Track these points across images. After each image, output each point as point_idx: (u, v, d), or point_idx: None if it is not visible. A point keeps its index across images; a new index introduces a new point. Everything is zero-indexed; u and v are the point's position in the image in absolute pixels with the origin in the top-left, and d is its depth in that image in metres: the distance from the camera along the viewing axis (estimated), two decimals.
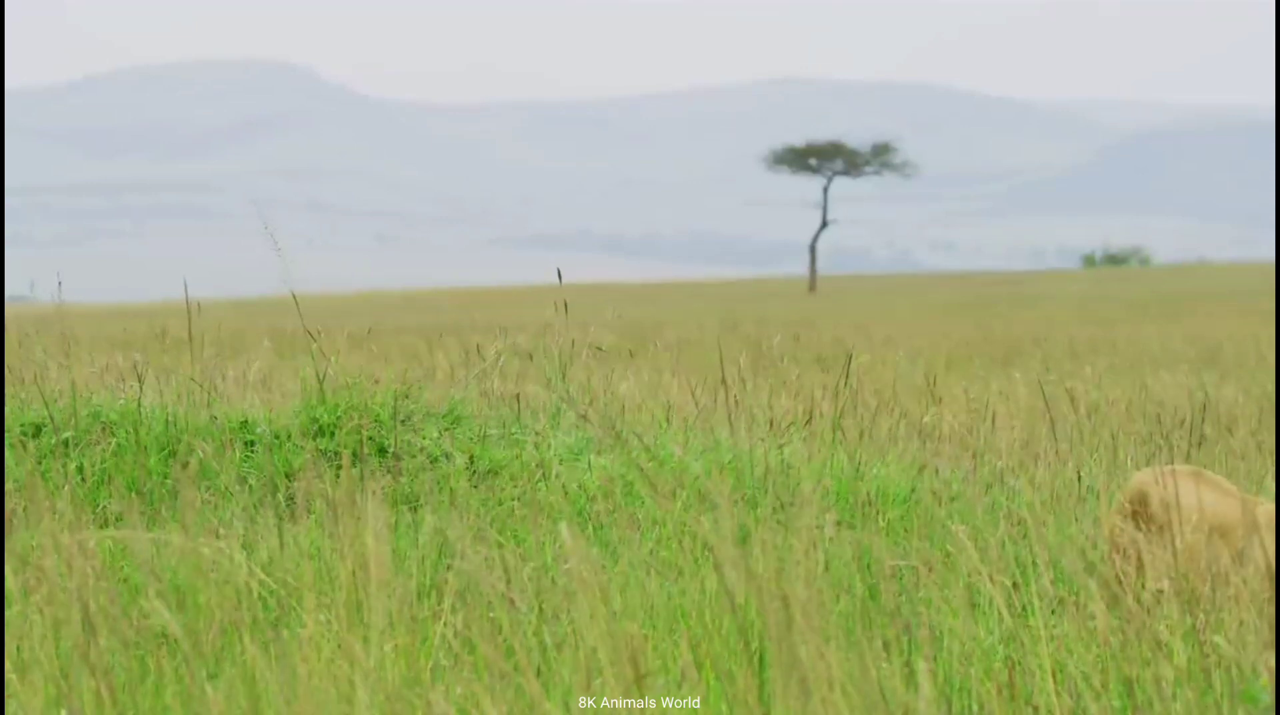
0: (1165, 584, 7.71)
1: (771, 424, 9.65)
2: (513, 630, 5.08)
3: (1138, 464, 9.32)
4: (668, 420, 10.06)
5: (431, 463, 8.80)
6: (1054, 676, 5.22)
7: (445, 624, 5.69)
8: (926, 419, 10.66)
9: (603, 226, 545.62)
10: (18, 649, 5.38)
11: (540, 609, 5.91)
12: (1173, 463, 9.26)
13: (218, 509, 7.92)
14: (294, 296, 9.46)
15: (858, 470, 8.90)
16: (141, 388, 9.30)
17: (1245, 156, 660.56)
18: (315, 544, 6.64)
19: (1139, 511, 7.99)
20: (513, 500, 8.13)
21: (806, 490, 7.99)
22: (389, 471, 8.60)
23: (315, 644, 5.21)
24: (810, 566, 4.90)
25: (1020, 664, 5.31)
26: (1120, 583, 7.84)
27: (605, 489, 8.24)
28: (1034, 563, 6.94)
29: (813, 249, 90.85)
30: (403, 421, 9.05)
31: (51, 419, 8.93)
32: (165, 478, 8.52)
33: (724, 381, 10.32)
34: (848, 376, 10.05)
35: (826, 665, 4.62)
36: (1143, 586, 7.81)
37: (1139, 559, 7.87)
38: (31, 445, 8.77)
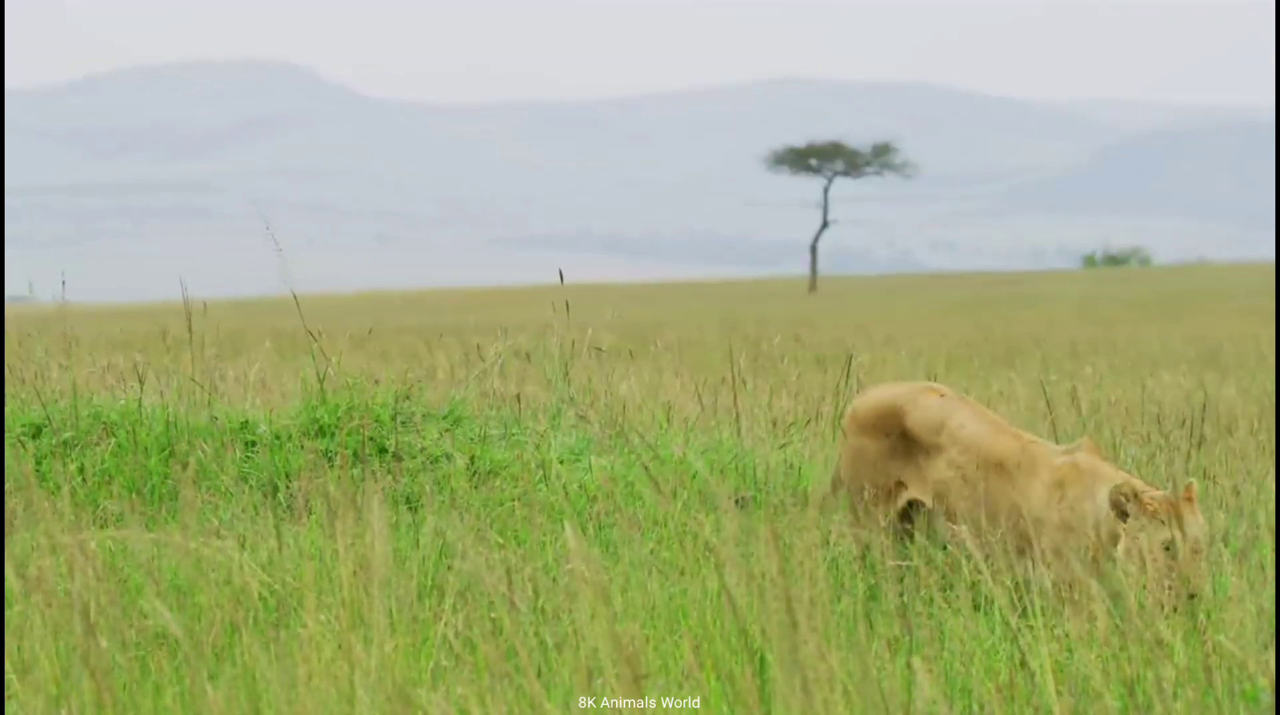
0: (929, 501, 7.86)
1: (774, 424, 9.66)
2: (513, 631, 5.08)
3: (1138, 464, 9.32)
4: (668, 420, 10.06)
5: (432, 463, 8.79)
6: (1055, 676, 5.22)
7: (446, 624, 5.68)
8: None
9: (603, 227, 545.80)
10: (18, 649, 5.37)
11: (541, 609, 5.91)
12: (1171, 462, 9.26)
13: (218, 509, 7.92)
14: (294, 297, 9.46)
15: None
16: (142, 388, 9.30)
17: (1245, 156, 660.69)
18: (315, 544, 6.64)
19: (887, 427, 8.05)
20: (513, 501, 8.13)
21: (812, 489, 7.99)
22: (389, 472, 8.60)
23: (316, 644, 5.21)
24: (813, 567, 4.90)
25: (1022, 664, 5.31)
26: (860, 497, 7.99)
27: (606, 490, 8.24)
28: (1035, 563, 6.93)
29: (813, 249, 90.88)
30: (403, 422, 9.04)
31: (50, 419, 8.93)
32: (165, 478, 8.52)
33: (731, 382, 10.32)
34: (848, 376, 10.04)
35: (828, 666, 4.62)
36: (908, 506, 7.97)
37: (890, 480, 7.99)
38: (31, 445, 8.77)
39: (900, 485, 7.98)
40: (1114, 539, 7.30)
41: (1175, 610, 6.91)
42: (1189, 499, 7.24)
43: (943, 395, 8.06)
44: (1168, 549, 7.08)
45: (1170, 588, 7.08)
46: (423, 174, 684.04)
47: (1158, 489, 7.36)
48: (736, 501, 8.26)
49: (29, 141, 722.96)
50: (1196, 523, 7.18)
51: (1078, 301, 57.25)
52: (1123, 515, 7.21)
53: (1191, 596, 6.95)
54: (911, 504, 7.99)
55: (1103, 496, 7.35)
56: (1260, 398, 14.61)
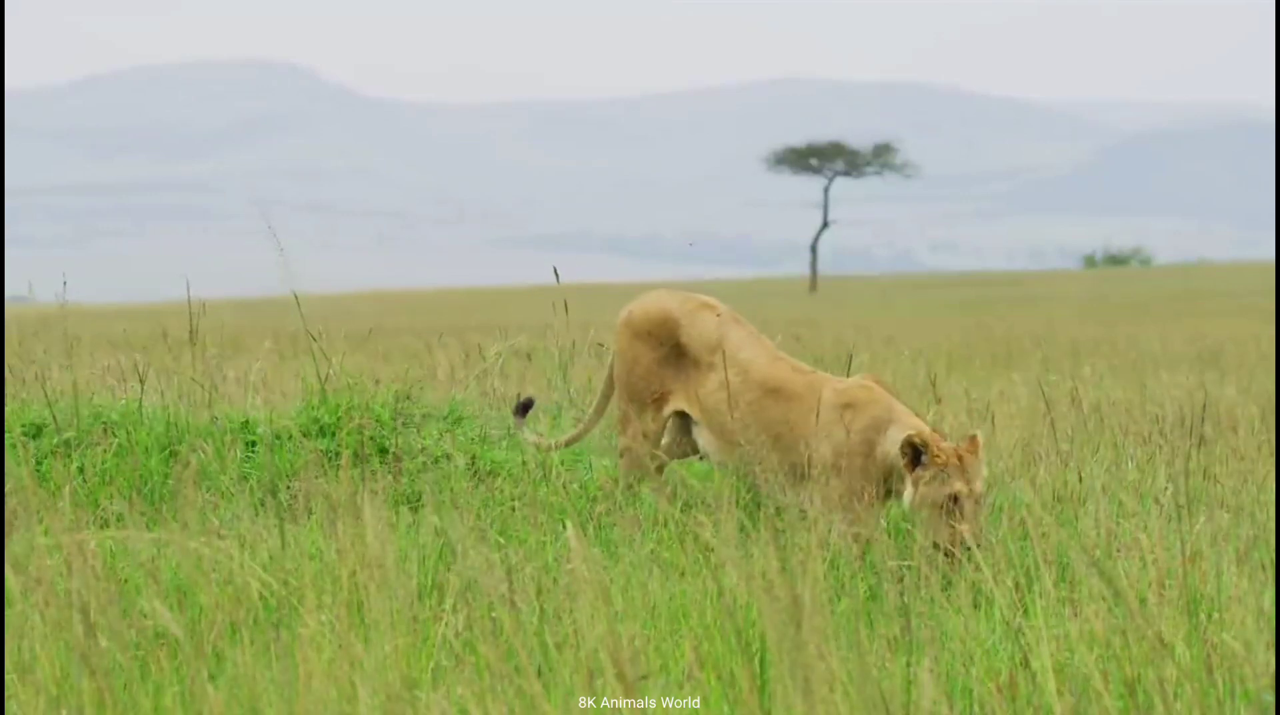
0: (697, 413, 8.05)
1: None
2: (514, 631, 5.07)
3: (1139, 464, 9.32)
4: None
5: (433, 463, 8.79)
6: (1055, 676, 5.22)
7: (446, 624, 5.68)
8: (929, 419, 10.65)
9: (603, 226, 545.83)
10: (18, 649, 5.37)
11: (541, 609, 5.91)
12: (1171, 462, 9.26)
13: (218, 509, 7.91)
14: (295, 297, 9.45)
15: None
16: (142, 388, 9.30)
17: (1245, 156, 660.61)
18: (316, 544, 6.63)
19: (661, 337, 8.23)
20: (514, 501, 8.13)
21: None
22: (390, 472, 8.59)
23: (316, 644, 5.21)
24: (815, 567, 4.89)
25: (1023, 664, 5.31)
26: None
27: (606, 490, 8.24)
28: (1035, 563, 6.93)
29: (814, 249, 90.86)
30: (404, 422, 9.04)
31: (54, 419, 8.93)
32: (166, 478, 8.51)
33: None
34: (848, 376, 10.04)
35: (828, 666, 4.61)
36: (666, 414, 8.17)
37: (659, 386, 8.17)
38: (32, 445, 8.76)
39: (668, 394, 8.19)
40: (890, 472, 7.54)
41: (952, 557, 7.16)
42: (973, 451, 7.45)
43: (719, 314, 8.26)
44: (954, 500, 7.32)
45: (952, 537, 7.35)
46: (423, 174, 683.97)
47: (946, 439, 7.56)
48: (518, 409, 8.56)
49: (29, 141, 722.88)
50: (980, 475, 7.41)
51: (1078, 301, 57.26)
52: (912, 463, 7.43)
53: (970, 546, 7.20)
54: (679, 415, 8.20)
55: (893, 437, 7.56)
56: (1260, 398, 14.60)
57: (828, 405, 7.79)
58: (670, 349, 8.27)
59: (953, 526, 7.35)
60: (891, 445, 7.58)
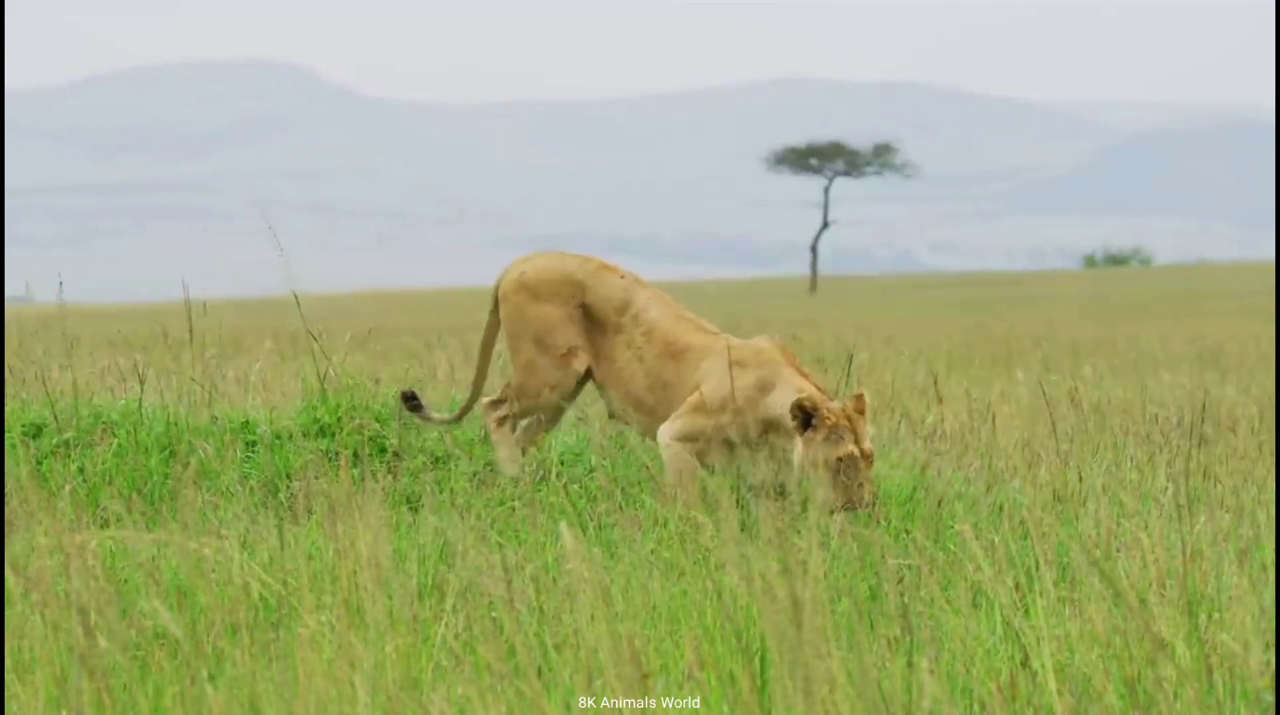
0: (605, 373, 8.20)
1: None
2: (514, 631, 5.07)
3: (1139, 464, 9.31)
4: None
5: (433, 463, 8.80)
6: (1055, 676, 5.21)
7: (446, 625, 5.68)
8: (930, 419, 10.67)
9: (603, 227, 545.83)
10: (17, 649, 5.37)
11: (541, 609, 5.90)
12: (1172, 462, 9.26)
13: (218, 509, 7.91)
14: (295, 297, 9.45)
15: None
16: (142, 388, 9.29)
17: (1245, 156, 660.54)
18: (316, 544, 6.63)
19: (566, 297, 8.32)
20: (514, 501, 8.13)
21: (815, 488, 8.01)
22: (390, 472, 8.59)
23: (315, 644, 5.21)
24: (815, 567, 4.89)
25: (1023, 664, 5.30)
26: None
27: (606, 490, 8.24)
28: (1036, 563, 6.93)
29: (814, 249, 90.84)
30: (404, 422, 9.04)
31: (54, 419, 8.92)
32: (166, 478, 8.51)
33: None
34: (849, 376, 10.07)
35: (827, 666, 4.61)
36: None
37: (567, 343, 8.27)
38: (32, 445, 8.76)
39: (576, 350, 8.32)
40: (768, 430, 7.61)
41: (838, 513, 7.31)
42: (860, 411, 7.58)
43: (622, 275, 8.38)
44: (845, 460, 7.45)
45: (841, 495, 7.57)
46: (423, 174, 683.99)
47: (834, 400, 7.66)
48: (405, 399, 8.66)
49: (29, 141, 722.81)
50: (868, 434, 7.54)
51: (1078, 301, 57.27)
52: (803, 426, 7.56)
53: (865, 504, 7.35)
54: (586, 374, 8.33)
55: (778, 399, 7.69)
56: (1260, 398, 14.60)
57: (718, 359, 7.94)
58: (574, 309, 8.37)
59: (845, 485, 7.53)
60: (777, 406, 7.73)
